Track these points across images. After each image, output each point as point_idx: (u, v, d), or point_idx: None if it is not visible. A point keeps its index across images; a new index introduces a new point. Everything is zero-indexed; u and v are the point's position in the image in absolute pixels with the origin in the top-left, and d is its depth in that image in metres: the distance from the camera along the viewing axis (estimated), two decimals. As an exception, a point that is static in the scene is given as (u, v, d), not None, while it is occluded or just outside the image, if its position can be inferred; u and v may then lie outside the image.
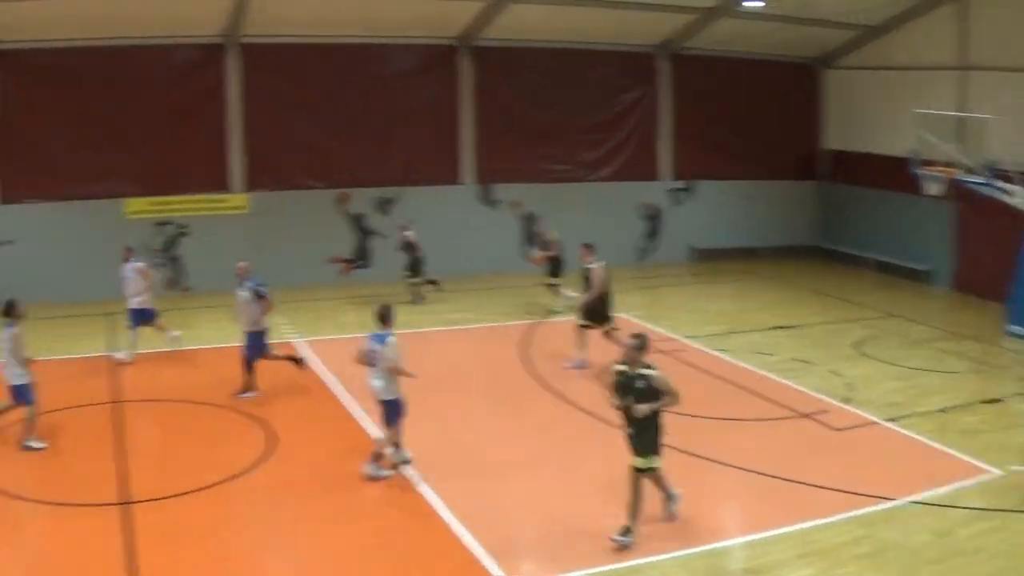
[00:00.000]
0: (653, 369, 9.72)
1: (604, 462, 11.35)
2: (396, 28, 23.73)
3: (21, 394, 12.92)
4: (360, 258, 23.01)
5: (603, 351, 15.45)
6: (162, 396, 14.99)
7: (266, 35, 23.07)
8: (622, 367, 9.78)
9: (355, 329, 19.37)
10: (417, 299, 21.72)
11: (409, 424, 11.80)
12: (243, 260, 15.76)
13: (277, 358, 15.45)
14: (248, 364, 14.98)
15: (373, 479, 11.52)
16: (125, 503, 10.87)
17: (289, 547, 10.09)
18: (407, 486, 11.44)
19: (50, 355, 16.62)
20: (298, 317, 20.06)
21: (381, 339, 11.44)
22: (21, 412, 12.87)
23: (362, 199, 23.76)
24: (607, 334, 16.07)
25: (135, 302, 16.96)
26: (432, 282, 22.04)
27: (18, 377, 12.86)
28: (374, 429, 13.01)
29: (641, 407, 9.54)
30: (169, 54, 22.84)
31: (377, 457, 11.62)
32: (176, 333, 17.65)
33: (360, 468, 11.58)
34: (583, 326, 16.35)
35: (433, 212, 24.19)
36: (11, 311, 13.17)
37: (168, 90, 22.74)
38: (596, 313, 16.21)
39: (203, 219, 23.04)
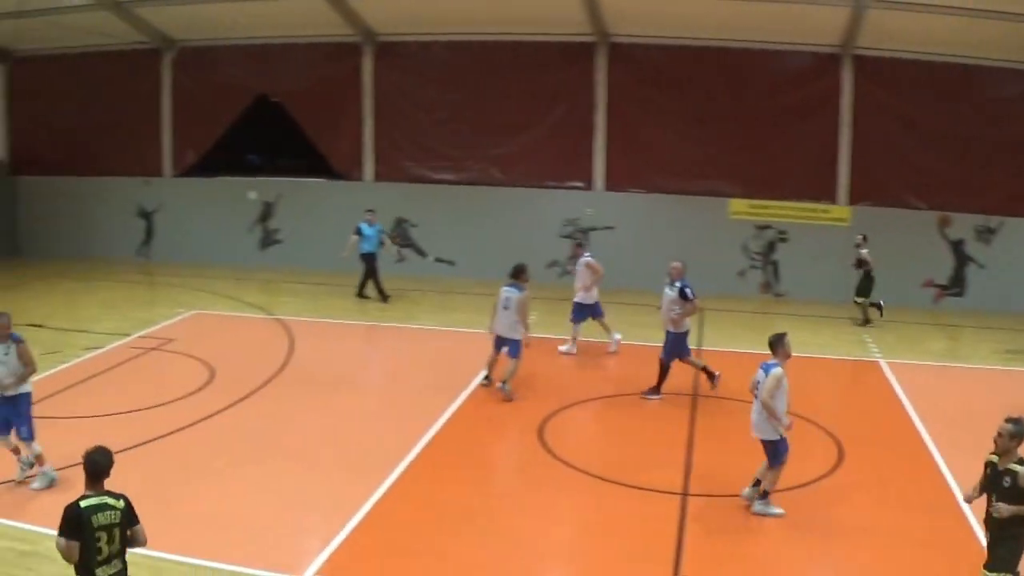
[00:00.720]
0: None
1: None
2: (1003, 50, 21.81)
3: (516, 349, 14.37)
4: (955, 285, 22.42)
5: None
6: (735, 395, 15.08)
7: (880, 48, 22.54)
8: (993, 457, 7.98)
9: (939, 357, 18.34)
10: (861, 320, 20.48)
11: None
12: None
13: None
14: (663, 365, 14.81)
15: (761, 515, 10.64)
16: (683, 494, 11.33)
17: (831, 565, 9.86)
18: (956, 516, 10.59)
19: (627, 340, 17.82)
20: (882, 337, 19.55)
21: (767, 368, 10.45)
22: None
23: (964, 225, 22.48)
24: None
25: (580, 296, 17.38)
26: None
27: (515, 332, 14.33)
28: (944, 466, 12.27)
29: (1001, 507, 7.73)
30: (783, 60, 23.26)
31: (764, 493, 10.72)
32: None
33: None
34: None
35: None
36: (519, 275, 14.40)
37: (779, 96, 23.17)
38: None
39: (802, 227, 23.22)
